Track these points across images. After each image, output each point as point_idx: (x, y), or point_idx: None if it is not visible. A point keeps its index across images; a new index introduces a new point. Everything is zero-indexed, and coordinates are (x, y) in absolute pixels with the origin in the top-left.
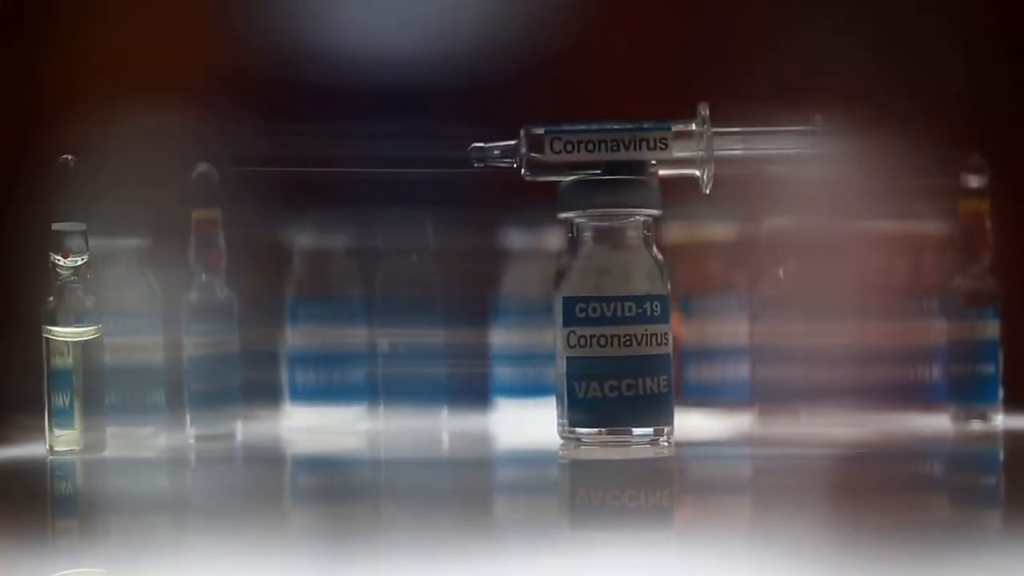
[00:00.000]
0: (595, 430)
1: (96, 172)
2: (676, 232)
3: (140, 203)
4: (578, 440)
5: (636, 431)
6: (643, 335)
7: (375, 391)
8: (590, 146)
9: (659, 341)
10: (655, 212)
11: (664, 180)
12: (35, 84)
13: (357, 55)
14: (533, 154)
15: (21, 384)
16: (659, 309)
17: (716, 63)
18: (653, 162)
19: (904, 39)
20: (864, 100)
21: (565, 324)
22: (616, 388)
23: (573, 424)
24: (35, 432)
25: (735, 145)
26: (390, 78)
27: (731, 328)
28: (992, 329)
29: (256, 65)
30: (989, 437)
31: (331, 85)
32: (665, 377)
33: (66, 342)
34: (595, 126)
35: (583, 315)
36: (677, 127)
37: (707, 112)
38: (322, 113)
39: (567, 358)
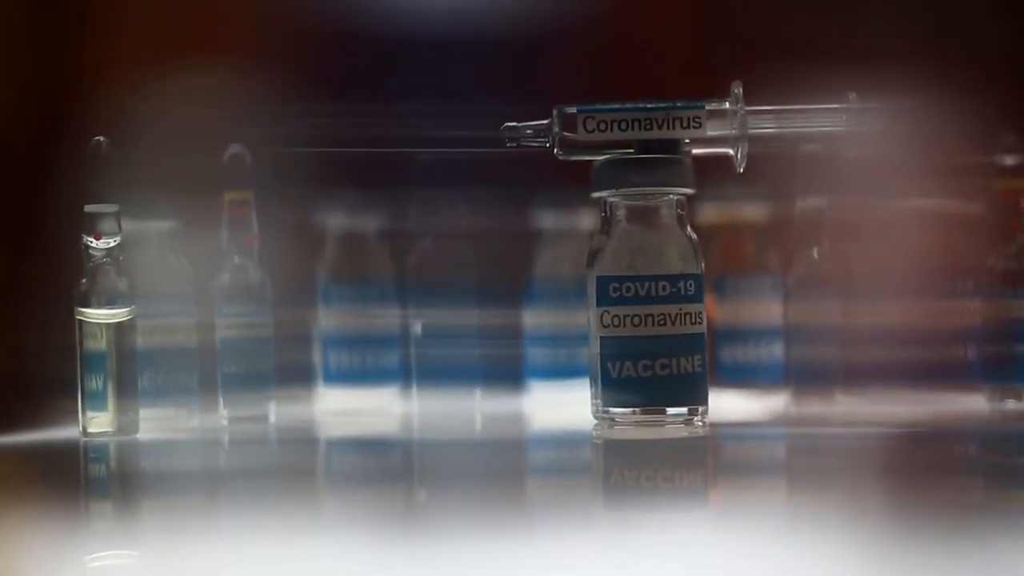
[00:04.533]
0: (629, 410)
1: (129, 154)
2: (710, 212)
3: (172, 185)
4: (612, 420)
5: (670, 411)
6: (677, 314)
7: (408, 373)
8: (623, 125)
9: (693, 320)
10: (689, 191)
11: (698, 159)
12: (68, 64)
13: (381, 20)
14: (566, 133)
15: (55, 367)
16: (693, 288)
17: (749, 38)
18: (686, 141)
19: (941, 16)
20: (899, 78)
21: (599, 304)
22: (650, 368)
23: (607, 404)
24: (69, 414)
25: (769, 123)
26: (420, 46)
27: (765, 308)
28: None
29: (283, 40)
30: None
31: (361, 57)
32: (699, 356)
33: (99, 324)
34: (628, 105)
35: (617, 295)
36: (710, 106)
37: (740, 90)
38: (351, 91)
39: (601, 338)
